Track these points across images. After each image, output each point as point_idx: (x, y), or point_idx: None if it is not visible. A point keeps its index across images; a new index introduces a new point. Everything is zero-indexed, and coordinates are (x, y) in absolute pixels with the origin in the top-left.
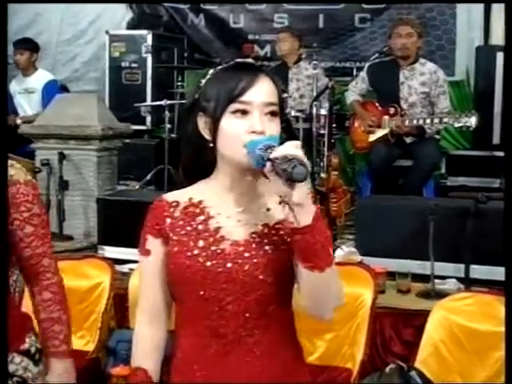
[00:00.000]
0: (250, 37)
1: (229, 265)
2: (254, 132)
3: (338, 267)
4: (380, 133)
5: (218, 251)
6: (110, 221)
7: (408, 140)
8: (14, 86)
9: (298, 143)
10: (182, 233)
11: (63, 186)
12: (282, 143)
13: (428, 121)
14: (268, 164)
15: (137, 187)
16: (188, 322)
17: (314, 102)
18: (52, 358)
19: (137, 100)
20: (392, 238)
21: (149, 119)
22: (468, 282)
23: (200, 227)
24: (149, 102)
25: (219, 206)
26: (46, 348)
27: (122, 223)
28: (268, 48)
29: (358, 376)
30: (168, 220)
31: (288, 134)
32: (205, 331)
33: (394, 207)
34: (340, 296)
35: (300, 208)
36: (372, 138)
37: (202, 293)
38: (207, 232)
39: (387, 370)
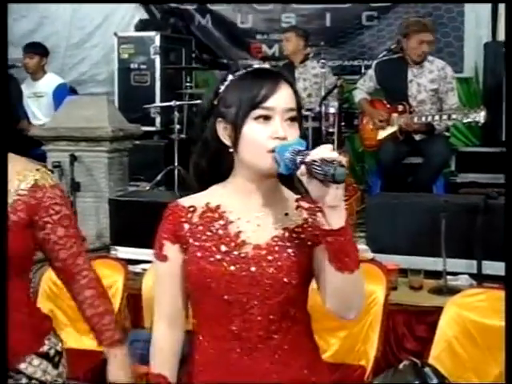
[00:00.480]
0: (258, 37)
1: (253, 268)
2: (277, 138)
3: None
4: (389, 130)
5: (242, 255)
6: (122, 221)
7: (417, 137)
8: (23, 90)
9: (331, 146)
10: (203, 238)
11: (75, 187)
12: None
13: (436, 117)
14: (302, 167)
15: (147, 188)
16: (209, 326)
17: (324, 101)
18: (111, 349)
19: (146, 101)
20: (403, 234)
21: (158, 120)
22: (480, 278)
23: (220, 232)
24: (158, 103)
25: (238, 211)
26: (101, 341)
27: (134, 224)
28: (276, 47)
29: (371, 373)
30: (186, 226)
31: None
32: (227, 335)
33: (404, 204)
34: (364, 296)
35: (333, 210)
36: (381, 135)
37: (226, 297)
38: (228, 237)
39: (401, 366)
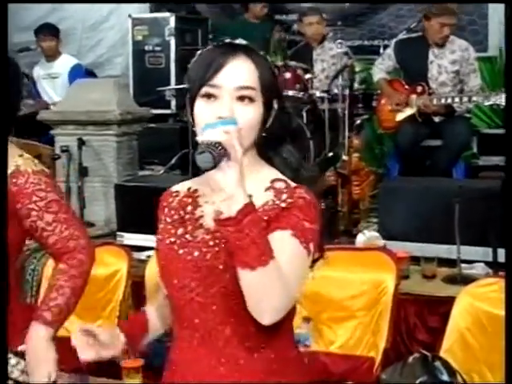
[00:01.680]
0: (277, 17)
1: (196, 253)
2: (220, 118)
3: (358, 252)
4: (407, 112)
5: (190, 239)
6: (128, 207)
7: (436, 119)
8: (37, 72)
9: (230, 129)
10: (168, 221)
11: (83, 172)
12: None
13: (457, 99)
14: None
15: (161, 172)
16: (172, 313)
17: (340, 82)
18: (33, 321)
19: (161, 84)
20: (417, 221)
21: (173, 103)
22: (496, 266)
23: (187, 216)
24: (173, 85)
25: (208, 195)
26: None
27: (140, 209)
28: (294, 27)
29: (380, 365)
30: (166, 210)
31: (314, 115)
32: (182, 323)
33: (418, 189)
34: (283, 300)
35: (229, 198)
36: (399, 117)
37: (175, 281)
38: (190, 221)
39: (410, 359)
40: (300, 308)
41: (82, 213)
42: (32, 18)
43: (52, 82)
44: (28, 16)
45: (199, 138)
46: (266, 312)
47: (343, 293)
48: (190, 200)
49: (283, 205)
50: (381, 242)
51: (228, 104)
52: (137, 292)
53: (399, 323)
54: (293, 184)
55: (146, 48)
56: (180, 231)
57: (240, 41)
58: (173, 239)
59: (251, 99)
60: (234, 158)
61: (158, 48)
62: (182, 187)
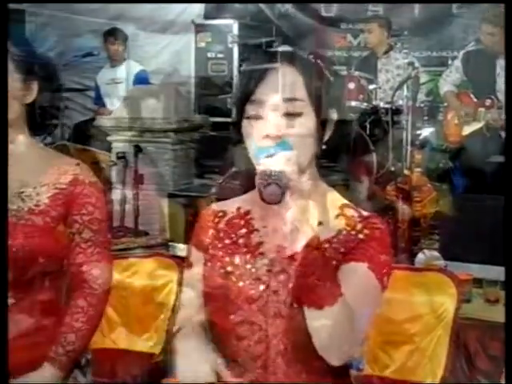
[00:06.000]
0: (343, 26)
1: (261, 287)
2: (268, 136)
3: (417, 273)
4: (474, 126)
5: (253, 270)
6: (181, 216)
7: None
8: (100, 77)
9: (291, 156)
10: (219, 246)
11: (138, 180)
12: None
13: None
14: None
15: (220, 181)
16: (221, 350)
17: (405, 94)
18: (46, 362)
19: (223, 91)
20: (480, 241)
21: (235, 111)
22: None
23: (241, 241)
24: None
25: (266, 218)
26: (48, 351)
27: (193, 219)
28: (362, 37)
29: None
30: (210, 231)
31: (377, 127)
32: (233, 364)
33: (481, 207)
34: (351, 339)
35: (296, 232)
36: (466, 131)
37: (232, 317)
38: (247, 247)
39: None
40: None
41: (136, 221)
42: (95, 24)
43: (115, 88)
44: (92, 22)
45: (259, 168)
46: (335, 354)
47: (400, 315)
48: (242, 222)
49: (361, 236)
50: (441, 263)
51: (274, 121)
52: None
53: (459, 350)
54: (364, 212)
55: (209, 55)
56: (237, 260)
57: (284, 47)
58: (229, 269)
59: (299, 113)
60: (295, 187)
61: (220, 55)
62: (227, 206)
